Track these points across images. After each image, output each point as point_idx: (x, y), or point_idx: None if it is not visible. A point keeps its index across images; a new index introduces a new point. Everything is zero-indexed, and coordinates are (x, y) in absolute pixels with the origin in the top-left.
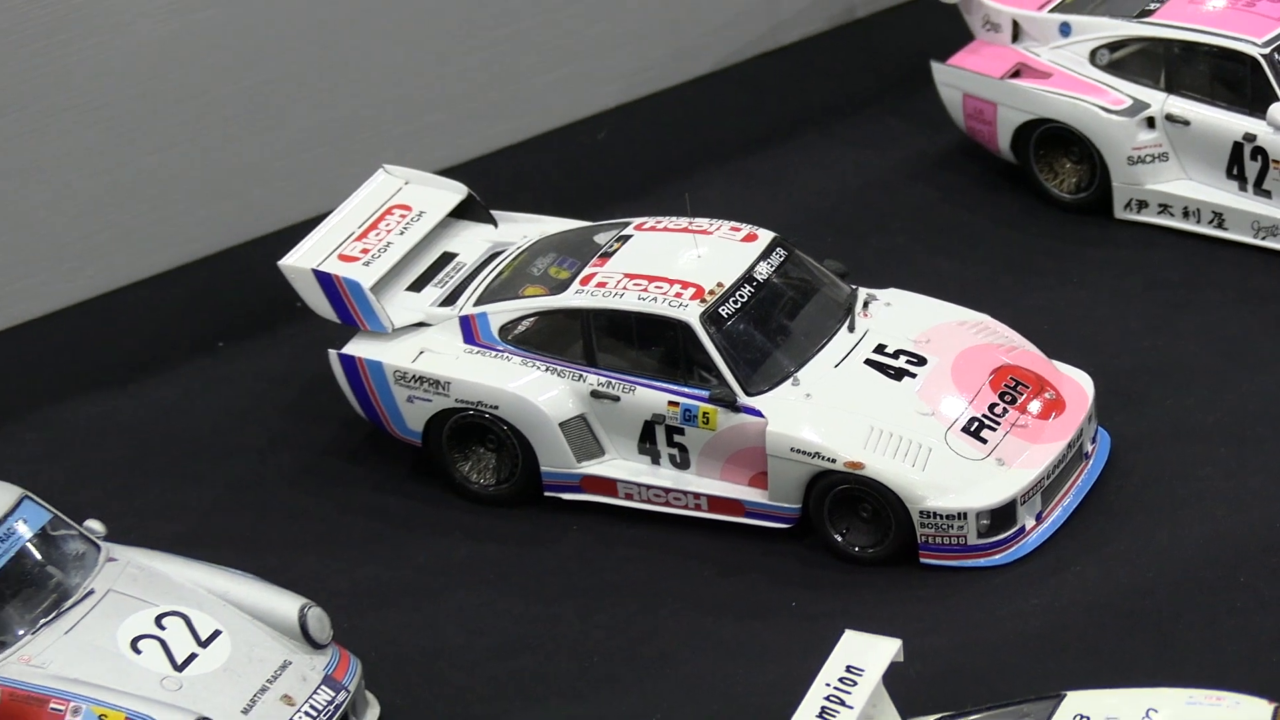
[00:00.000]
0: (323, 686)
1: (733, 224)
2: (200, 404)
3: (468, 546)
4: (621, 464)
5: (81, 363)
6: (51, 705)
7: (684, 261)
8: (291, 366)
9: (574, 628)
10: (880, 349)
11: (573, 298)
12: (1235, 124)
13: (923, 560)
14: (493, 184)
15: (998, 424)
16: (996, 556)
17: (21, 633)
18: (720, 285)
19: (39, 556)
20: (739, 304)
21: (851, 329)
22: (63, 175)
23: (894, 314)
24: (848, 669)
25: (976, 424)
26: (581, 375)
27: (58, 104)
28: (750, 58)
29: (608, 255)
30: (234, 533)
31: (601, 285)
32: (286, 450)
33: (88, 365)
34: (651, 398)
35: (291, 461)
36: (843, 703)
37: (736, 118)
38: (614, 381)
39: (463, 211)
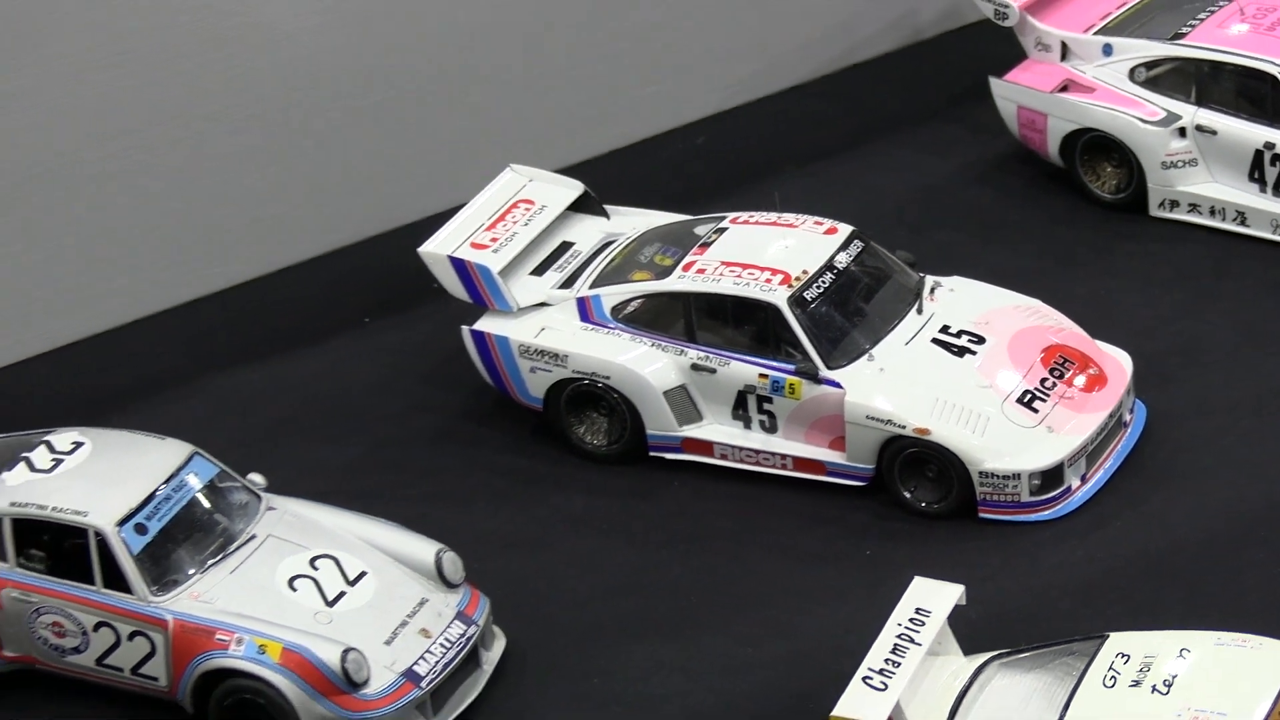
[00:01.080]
0: (455, 621)
1: (816, 218)
2: (348, 373)
3: (581, 500)
4: (717, 428)
5: (245, 337)
6: (218, 635)
7: (773, 251)
8: (428, 341)
9: (673, 572)
10: (945, 329)
11: (675, 282)
12: (1257, 134)
13: (981, 515)
14: (605, 182)
15: (1047, 396)
16: (1046, 512)
17: (192, 572)
18: (805, 272)
19: (207, 505)
20: (821, 289)
21: (920, 311)
22: (227, 172)
23: (957, 299)
24: (916, 611)
25: (1029, 396)
26: (683, 350)
27: (221, 109)
28: (829, 73)
29: (706, 245)
30: (377, 486)
31: (701, 272)
32: (423, 414)
33: (250, 339)
34: (744, 370)
35: (427, 424)
36: (912, 640)
37: (817, 126)
38: (711, 356)
39: (579, 206)
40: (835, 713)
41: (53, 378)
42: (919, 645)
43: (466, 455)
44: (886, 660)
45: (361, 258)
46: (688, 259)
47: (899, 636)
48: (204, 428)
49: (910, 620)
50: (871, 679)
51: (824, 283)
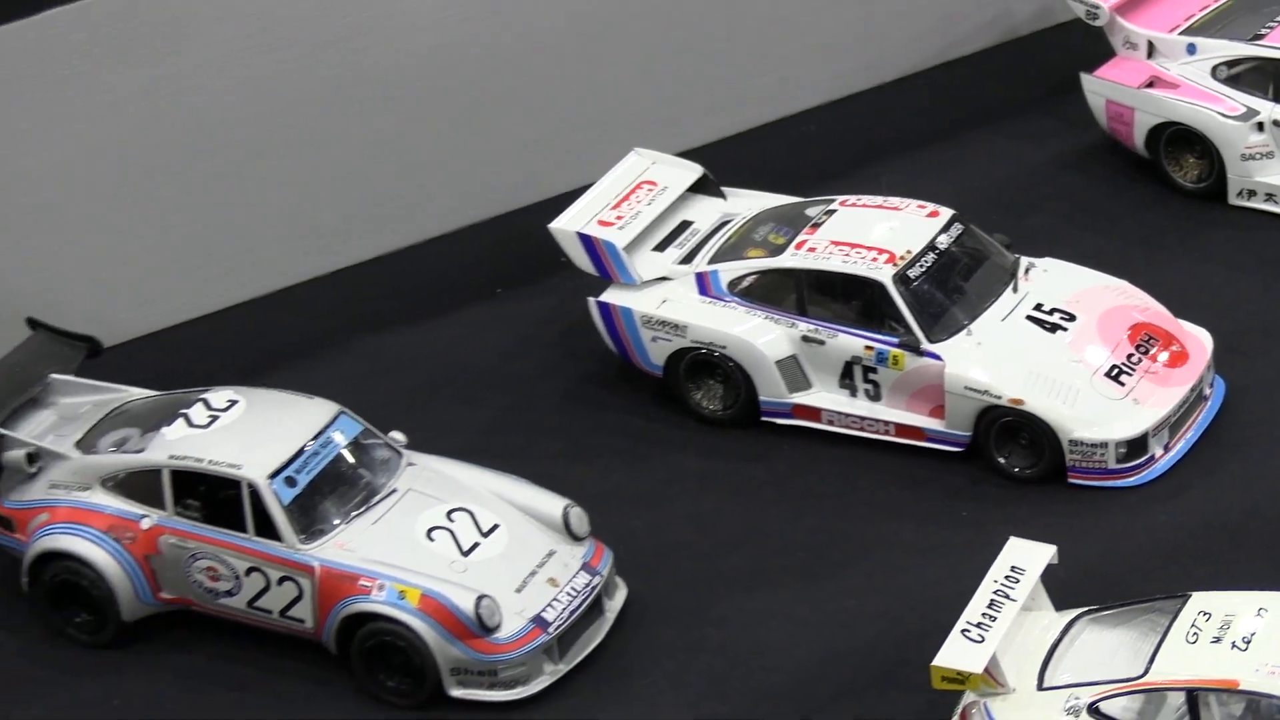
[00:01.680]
0: (581, 572)
1: (919, 202)
2: (482, 340)
3: (698, 460)
4: (825, 395)
5: (387, 305)
6: (361, 581)
7: (879, 232)
8: (556, 311)
9: (783, 528)
10: (1038, 307)
11: (788, 259)
12: None
13: (1070, 481)
14: (722, 165)
15: (1133, 370)
16: (1131, 479)
17: (337, 522)
18: (909, 252)
19: (352, 460)
20: (924, 268)
21: (1015, 290)
22: (373, 151)
23: (1049, 279)
24: (1011, 569)
25: (1116, 370)
26: (794, 323)
27: (369, 92)
28: (931, 67)
29: (817, 225)
30: (509, 445)
31: (812, 250)
32: (551, 379)
33: (392, 307)
34: (851, 342)
35: (555, 388)
36: (1008, 596)
37: (920, 116)
38: (820, 328)
39: (698, 187)
40: (936, 662)
41: (210, 339)
42: (1014, 601)
43: (591, 417)
44: (984, 614)
45: (495, 233)
46: (799, 238)
47: (995, 592)
48: (349, 389)
49: (1006, 577)
50: (970, 631)
51: (926, 262)
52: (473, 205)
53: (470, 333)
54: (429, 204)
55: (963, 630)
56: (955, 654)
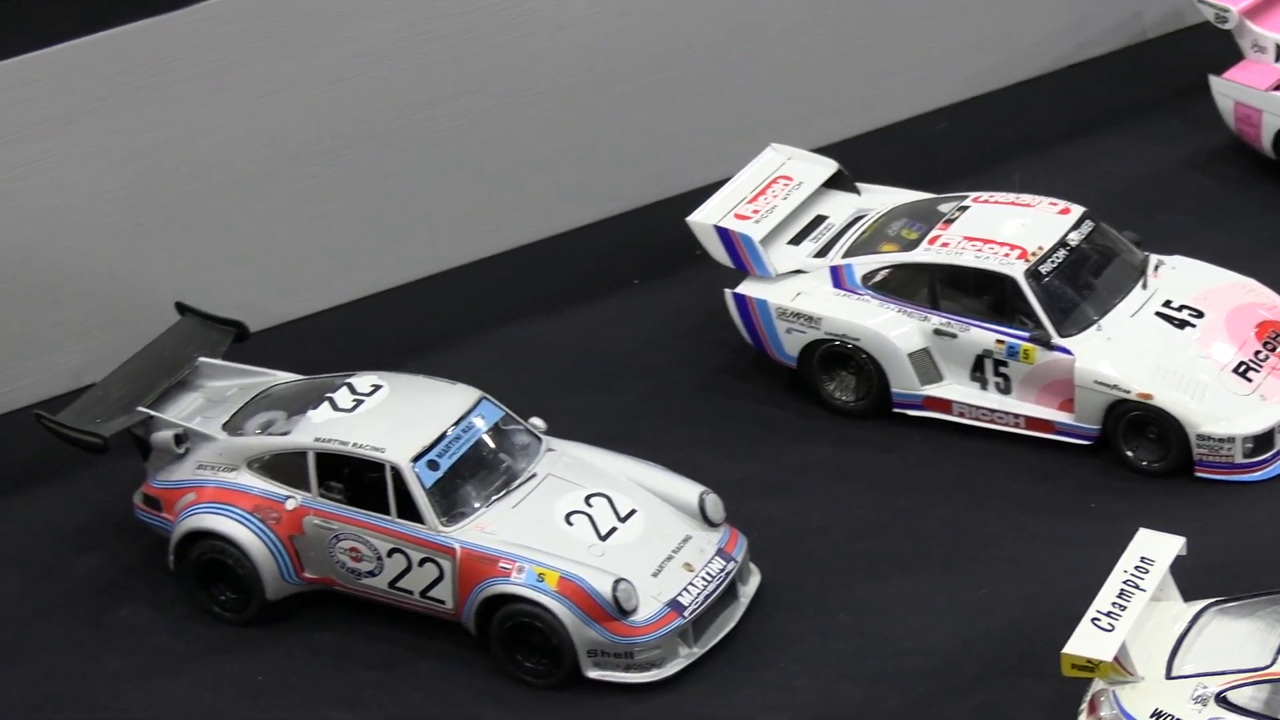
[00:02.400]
0: (716, 557)
1: (1050, 199)
2: (619, 330)
3: (830, 450)
4: (956, 388)
5: (528, 293)
6: (500, 564)
7: (1011, 228)
8: (692, 301)
9: (914, 517)
10: (1167, 304)
11: (921, 254)
12: None
13: (1197, 474)
14: (856, 161)
15: (1260, 367)
16: (1258, 473)
17: (478, 506)
18: (1040, 248)
19: (492, 445)
20: (1055, 264)
21: (1144, 287)
22: (515, 145)
23: (1178, 276)
24: (1141, 559)
25: (1244, 366)
26: (926, 316)
27: (515, 86)
28: (1063, 68)
29: (950, 221)
30: (645, 433)
31: (945, 245)
32: (687, 368)
33: (532, 296)
34: (982, 336)
35: (691, 377)
36: (1137, 587)
37: (1052, 115)
38: (952, 322)
39: (833, 182)
40: (1066, 650)
41: (353, 326)
42: (1143, 591)
43: (726, 406)
44: (1114, 604)
45: (633, 225)
46: (933, 233)
47: (1125, 582)
48: (488, 376)
49: (1135, 568)
50: (1100, 620)
51: (1057, 258)
52: (611, 198)
53: (607, 322)
54: (568, 196)
55: (1093, 619)
56: (1085, 642)
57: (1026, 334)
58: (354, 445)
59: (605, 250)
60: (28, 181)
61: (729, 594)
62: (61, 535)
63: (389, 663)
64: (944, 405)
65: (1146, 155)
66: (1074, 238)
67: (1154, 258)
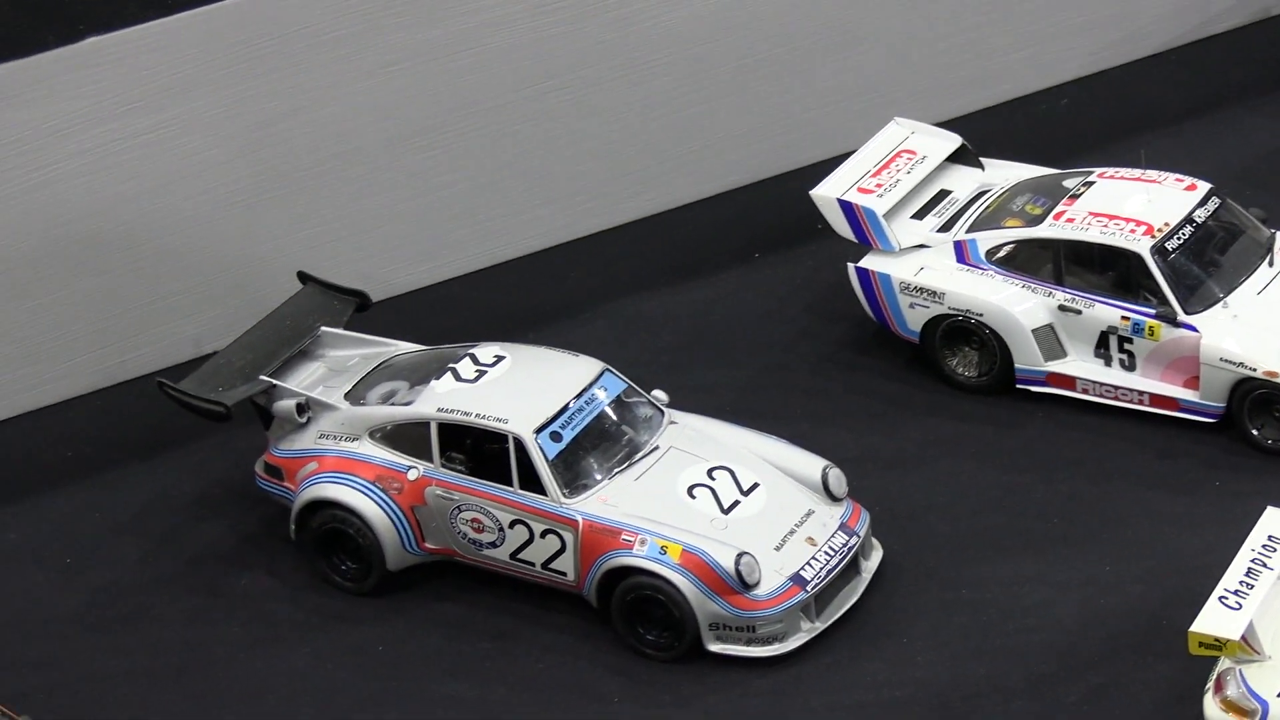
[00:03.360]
0: (838, 532)
1: (1176, 175)
2: (739, 302)
3: (953, 425)
4: (1080, 364)
5: (648, 265)
6: (623, 536)
7: (1137, 204)
8: (813, 275)
9: (1038, 493)
10: None
11: (1046, 229)
12: None
13: None
14: (979, 136)
15: None
16: None
17: (600, 478)
18: (1167, 224)
19: (615, 418)
20: (1181, 240)
21: (1271, 264)
22: (637, 117)
23: None
24: (1269, 538)
25: None
26: (1051, 292)
27: (635, 59)
28: (1185, 44)
29: (1075, 197)
30: (766, 406)
31: (1070, 220)
32: (807, 342)
33: (653, 267)
34: (1107, 313)
35: (811, 351)
36: (1265, 565)
37: (1175, 91)
38: (1077, 298)
39: (956, 157)
40: (1193, 628)
41: (475, 297)
42: (1271, 570)
43: (847, 380)
44: (1241, 582)
45: (753, 198)
46: (1058, 209)
47: (1252, 561)
48: (608, 347)
49: (1263, 546)
50: (1227, 599)
51: (1183, 235)
52: (732, 170)
53: (728, 295)
54: (690, 168)
55: (1220, 598)
56: (1213, 621)
57: (1152, 311)
58: (477, 416)
59: (726, 223)
60: (149, 150)
61: (851, 569)
62: (182, 504)
63: (509, 634)
64: (1067, 382)
65: (1272, 131)
66: (1200, 214)
67: None
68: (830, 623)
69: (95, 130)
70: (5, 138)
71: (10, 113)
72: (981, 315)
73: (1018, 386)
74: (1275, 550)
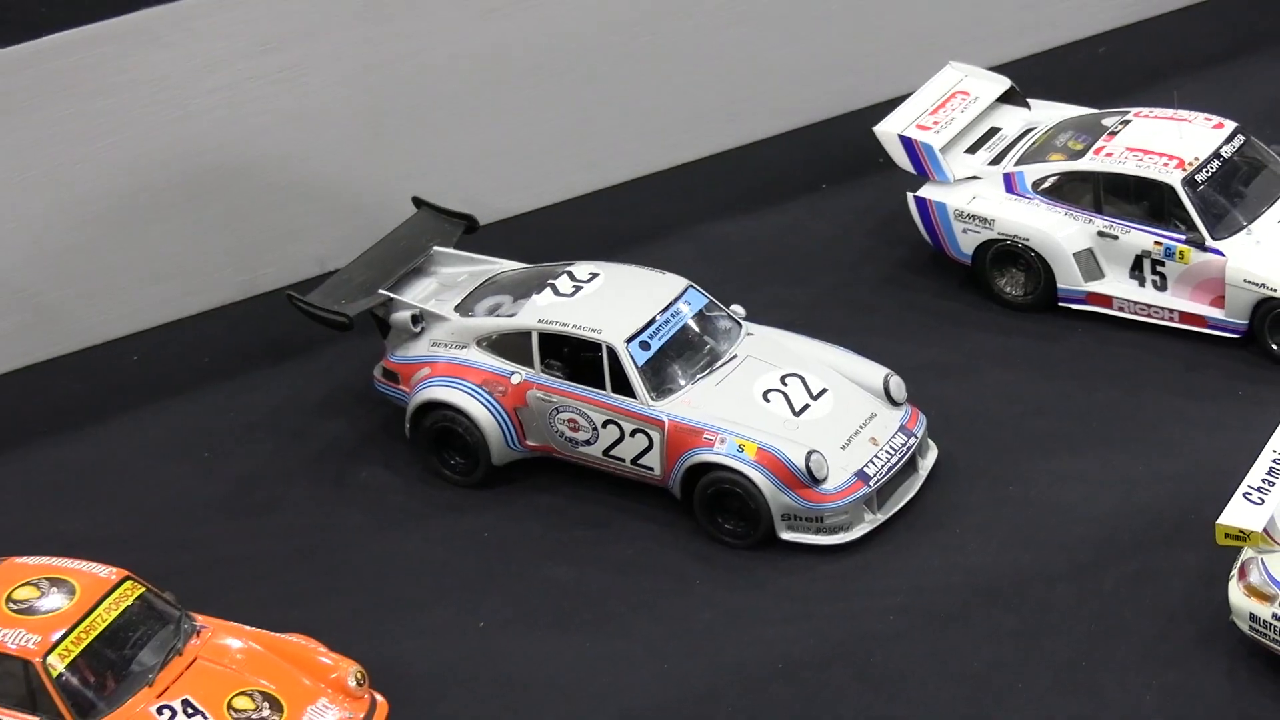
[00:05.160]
0: (898, 433)
1: (1205, 115)
2: (808, 229)
3: (1001, 339)
4: (1117, 284)
5: (725, 195)
6: (705, 435)
7: (1170, 140)
8: (876, 203)
9: (1077, 400)
10: None
11: (1087, 163)
12: None
13: None
14: (1027, 79)
15: None
16: None
17: (684, 383)
18: (1196, 159)
19: (697, 329)
20: (1209, 173)
21: None
22: (715, 60)
23: None
24: None
25: None
26: (1090, 219)
27: (716, 7)
28: None
29: (1114, 134)
30: (832, 320)
31: (1109, 155)
32: (870, 264)
33: (730, 197)
34: (1141, 238)
35: (873, 272)
36: None
37: (1207, 40)
38: (1114, 225)
39: (1006, 98)
40: (1220, 521)
41: (571, 221)
42: None
43: (905, 298)
44: (1263, 480)
45: (820, 135)
46: (1098, 144)
47: (1273, 461)
48: (693, 267)
49: None
50: (1251, 494)
51: (1212, 168)
52: (801, 110)
53: (798, 222)
54: (763, 107)
55: (1244, 494)
56: (1238, 514)
57: (1182, 236)
58: (574, 326)
59: (796, 158)
60: (280, 87)
61: (909, 466)
62: (309, 405)
63: (602, 523)
64: (1105, 300)
65: None
66: (1227, 150)
67: None
68: (890, 515)
69: (232, 69)
70: (151, 75)
71: (157, 52)
72: (1028, 240)
73: (1059, 304)
74: None
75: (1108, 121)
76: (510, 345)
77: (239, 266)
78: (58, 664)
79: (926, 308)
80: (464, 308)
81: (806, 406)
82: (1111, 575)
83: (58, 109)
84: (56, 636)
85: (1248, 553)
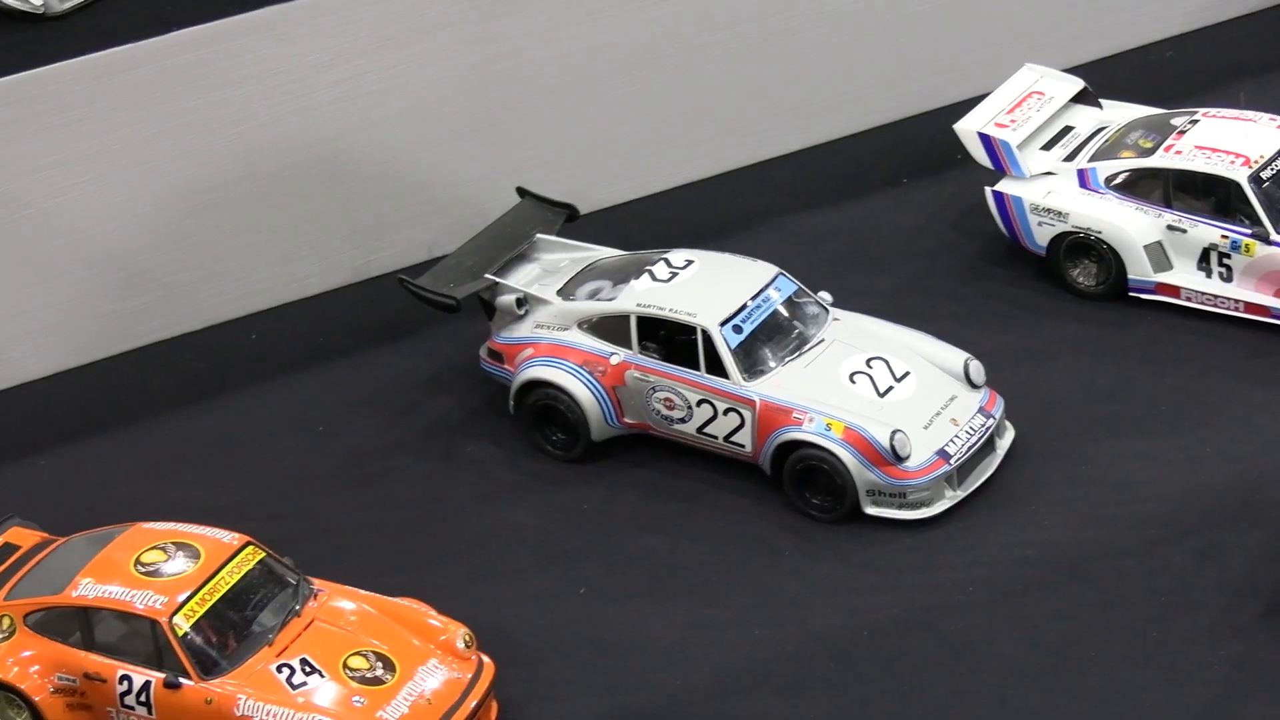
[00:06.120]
0: (978, 414)
1: (1270, 115)
2: (889, 220)
3: (1074, 326)
4: (1185, 275)
5: (813, 187)
6: (794, 414)
7: (1236, 139)
8: (955, 197)
9: (1147, 385)
10: None
11: (1157, 160)
12: None
13: None
14: (1098, 80)
15: None
16: None
17: (774, 365)
18: (1262, 156)
19: (787, 314)
20: (1274, 170)
21: None
22: (805, 59)
23: None
24: None
25: None
26: (1160, 214)
27: (804, 10)
28: (1276, 4)
29: (1182, 132)
30: (914, 307)
31: (1178, 153)
32: (949, 254)
33: (817, 189)
34: (1209, 232)
35: (953, 261)
36: None
37: (1268, 45)
38: (1183, 219)
39: (1079, 98)
40: None
41: (666, 212)
42: None
43: (983, 286)
44: None
45: (901, 132)
46: (1167, 142)
47: None
48: (781, 255)
49: None
50: None
51: (1276, 166)
52: (883, 108)
53: (881, 213)
54: (845, 106)
55: None
56: None
57: (1248, 231)
58: (670, 310)
59: (878, 153)
60: (395, 81)
61: (988, 446)
62: (417, 382)
63: (695, 496)
64: (1173, 290)
65: None
66: None
67: None
68: (969, 492)
69: (350, 64)
70: (275, 69)
71: (280, 47)
72: (1100, 232)
73: (1130, 294)
74: None
75: (1176, 121)
76: (610, 327)
77: (353, 251)
78: (183, 624)
79: (1003, 296)
80: (566, 292)
81: (890, 388)
82: (1180, 551)
83: (184, 100)
84: (182, 598)
85: None
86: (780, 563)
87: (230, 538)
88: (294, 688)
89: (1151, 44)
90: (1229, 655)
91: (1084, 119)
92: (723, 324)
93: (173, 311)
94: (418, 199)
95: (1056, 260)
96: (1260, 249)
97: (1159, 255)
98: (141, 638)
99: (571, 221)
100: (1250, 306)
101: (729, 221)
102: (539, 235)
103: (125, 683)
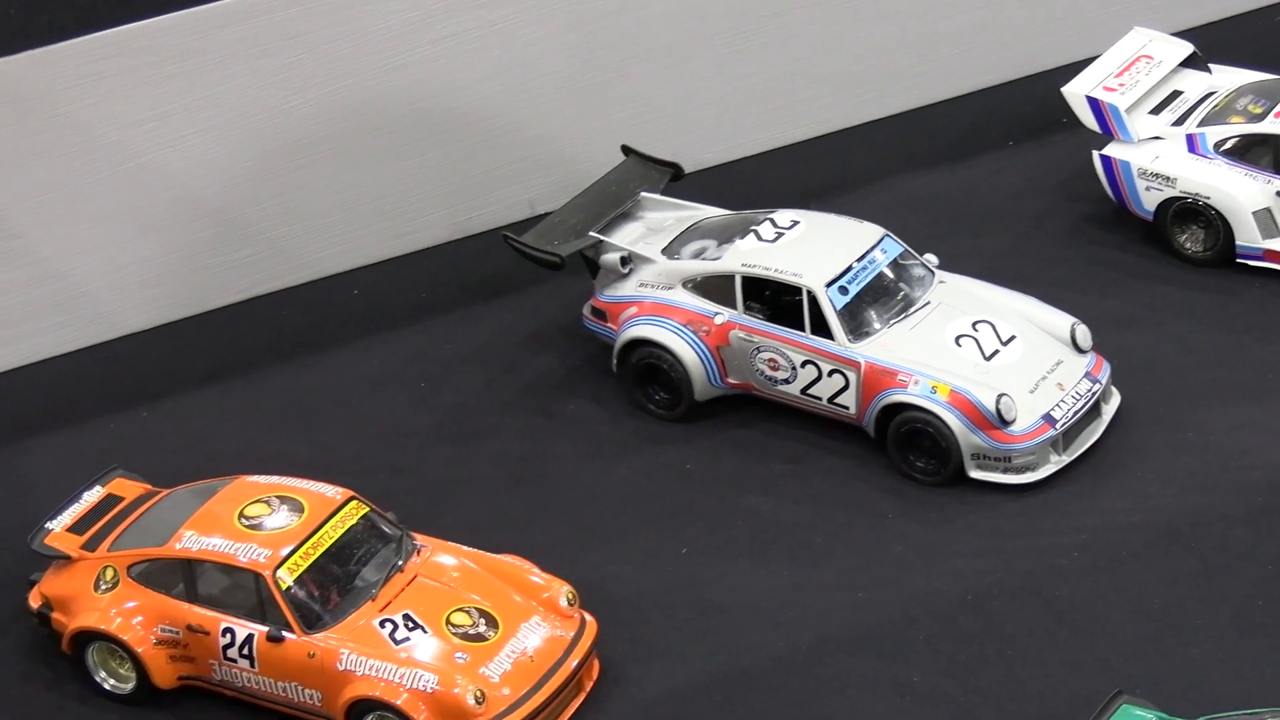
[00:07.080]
0: (1084, 379)
1: None
2: (996, 183)
3: (1181, 292)
4: None
5: (918, 149)
6: (899, 376)
7: None
8: (1061, 160)
9: (1253, 351)
10: None
11: (1267, 125)
12: None
13: None
14: (1208, 44)
15: None
16: None
17: (879, 327)
18: None
19: (892, 277)
20: None
21: None
22: (906, 21)
23: None
24: None
25: None
26: (1270, 180)
27: None
28: None
29: None
30: (1021, 270)
31: None
32: (1055, 217)
33: (923, 151)
34: None
35: (1059, 225)
36: None
37: None
38: None
39: (1188, 62)
40: None
41: (773, 170)
42: None
43: (1089, 251)
44: None
45: (1007, 95)
46: (1277, 108)
47: None
48: (887, 217)
49: None
50: None
51: None
52: (990, 70)
53: (987, 176)
54: (952, 67)
55: None
56: None
57: None
58: (775, 271)
59: (984, 116)
60: (497, 39)
61: (1094, 411)
62: (519, 339)
63: (799, 457)
64: (1279, 257)
65: None
66: None
67: None
68: (1075, 457)
69: (451, 21)
70: (376, 26)
71: (380, 4)
72: (1208, 198)
73: (1237, 260)
74: None
75: None
76: (714, 287)
77: (455, 208)
78: (286, 577)
79: (1109, 261)
80: (670, 250)
81: (996, 352)
82: None
83: (289, 55)
84: (286, 551)
85: None
86: (883, 525)
87: (334, 492)
88: (396, 643)
89: (1262, 9)
90: None
91: (1193, 83)
92: (829, 285)
93: (275, 265)
94: (519, 156)
95: (1164, 225)
96: None
97: (1268, 221)
98: (245, 591)
99: (676, 180)
100: None
101: (834, 182)
102: (644, 193)
103: (228, 635)
